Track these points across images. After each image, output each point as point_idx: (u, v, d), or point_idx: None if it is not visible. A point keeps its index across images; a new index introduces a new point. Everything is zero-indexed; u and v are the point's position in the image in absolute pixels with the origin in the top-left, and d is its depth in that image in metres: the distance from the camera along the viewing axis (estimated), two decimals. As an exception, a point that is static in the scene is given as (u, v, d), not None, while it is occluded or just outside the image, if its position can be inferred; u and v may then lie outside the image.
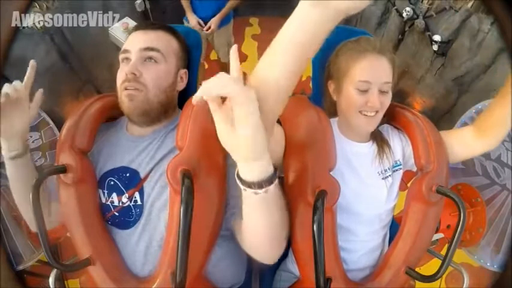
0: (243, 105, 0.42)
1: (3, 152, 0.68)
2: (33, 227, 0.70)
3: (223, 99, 0.45)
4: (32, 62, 0.70)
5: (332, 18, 0.38)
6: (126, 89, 0.71)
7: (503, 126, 0.71)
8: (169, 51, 0.76)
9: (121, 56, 0.75)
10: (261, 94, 0.44)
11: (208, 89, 0.42)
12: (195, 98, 0.43)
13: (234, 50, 0.46)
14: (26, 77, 0.69)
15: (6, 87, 0.65)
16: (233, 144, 0.46)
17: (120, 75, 0.73)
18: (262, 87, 0.44)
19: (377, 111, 0.74)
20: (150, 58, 0.72)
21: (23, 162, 0.70)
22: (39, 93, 0.72)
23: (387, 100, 0.75)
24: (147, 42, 0.73)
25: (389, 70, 0.75)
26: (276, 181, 0.50)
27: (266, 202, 0.52)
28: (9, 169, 0.70)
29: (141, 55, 0.72)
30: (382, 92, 0.74)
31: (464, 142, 0.77)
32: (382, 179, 0.79)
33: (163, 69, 0.74)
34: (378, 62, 0.74)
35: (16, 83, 0.67)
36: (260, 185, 0.48)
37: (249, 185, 0.48)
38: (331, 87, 0.82)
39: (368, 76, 0.73)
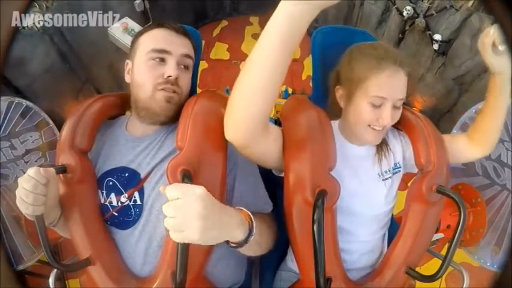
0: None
1: None
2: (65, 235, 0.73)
3: None
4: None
5: (311, 12, 0.44)
6: (163, 90, 0.71)
7: (492, 134, 0.76)
8: (193, 56, 0.79)
9: (155, 55, 0.72)
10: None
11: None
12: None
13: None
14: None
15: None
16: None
17: (155, 74, 0.72)
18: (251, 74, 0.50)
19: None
20: (186, 65, 0.76)
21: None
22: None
23: (398, 116, 0.73)
24: (186, 48, 0.76)
25: (405, 85, 0.71)
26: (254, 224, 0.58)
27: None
28: None
29: (180, 60, 0.74)
30: (394, 108, 0.71)
31: (459, 149, 0.80)
32: (382, 180, 0.79)
33: (190, 74, 0.78)
34: (396, 77, 0.70)
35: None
36: (245, 241, 0.57)
37: (239, 245, 0.57)
38: (338, 92, 0.78)
39: (385, 92, 0.69)
